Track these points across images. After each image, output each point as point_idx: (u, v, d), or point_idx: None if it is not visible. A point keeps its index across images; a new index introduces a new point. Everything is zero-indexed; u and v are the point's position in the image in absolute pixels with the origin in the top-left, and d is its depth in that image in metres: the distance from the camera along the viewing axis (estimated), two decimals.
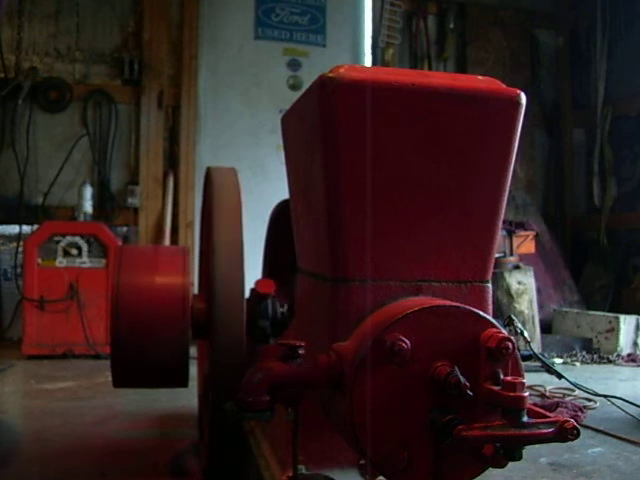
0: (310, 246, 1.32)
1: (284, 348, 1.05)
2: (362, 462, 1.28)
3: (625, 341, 4.20)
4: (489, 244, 1.19)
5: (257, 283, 1.84)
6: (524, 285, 4.21)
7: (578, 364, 3.93)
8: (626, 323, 4.22)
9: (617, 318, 4.23)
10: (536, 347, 4.00)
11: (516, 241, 4.40)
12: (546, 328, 4.53)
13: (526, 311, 4.17)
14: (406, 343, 0.99)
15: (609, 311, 4.81)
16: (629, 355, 4.12)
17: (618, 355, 4.10)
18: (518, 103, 1.14)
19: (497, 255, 4.24)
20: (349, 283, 1.12)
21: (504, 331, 1.01)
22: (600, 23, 5.40)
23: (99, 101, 4.55)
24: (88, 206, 4.23)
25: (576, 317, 4.49)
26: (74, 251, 3.84)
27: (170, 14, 4.71)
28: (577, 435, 0.94)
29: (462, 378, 0.97)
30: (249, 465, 1.58)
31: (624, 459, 2.04)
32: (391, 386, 1.00)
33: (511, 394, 0.94)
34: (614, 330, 4.20)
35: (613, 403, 2.59)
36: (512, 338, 0.99)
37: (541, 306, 4.45)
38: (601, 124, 5.38)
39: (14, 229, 4.32)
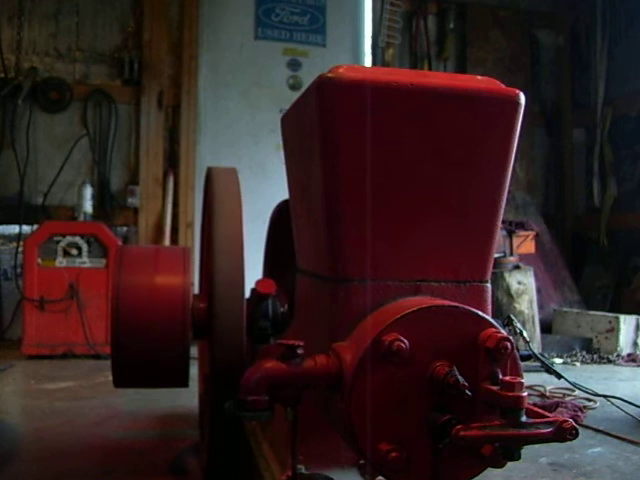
0: (309, 246, 1.32)
1: (283, 348, 1.05)
2: (362, 462, 1.28)
3: (625, 341, 4.20)
4: (488, 244, 1.19)
5: (257, 283, 1.84)
6: (524, 285, 4.21)
7: (578, 364, 3.93)
8: (626, 323, 4.22)
9: (617, 318, 4.23)
10: (536, 347, 3.99)
11: (516, 241, 4.40)
12: (546, 328, 4.52)
13: (526, 311, 4.16)
14: (405, 343, 0.99)
15: (609, 311, 4.80)
16: (629, 355, 4.12)
17: (618, 355, 4.10)
18: (517, 103, 1.14)
19: (497, 255, 4.24)
20: (348, 283, 1.12)
21: (503, 331, 1.02)
22: (600, 23, 5.40)
23: (99, 101, 4.55)
24: (88, 206, 4.23)
25: (576, 317, 4.49)
26: (74, 251, 3.84)
27: (170, 14, 4.71)
28: (576, 435, 0.94)
29: (461, 378, 0.97)
30: (249, 465, 1.58)
31: (624, 459, 2.04)
32: (390, 386, 1.00)
33: (510, 394, 0.94)
34: (614, 330, 4.20)
35: (613, 403, 2.59)
36: (511, 338, 0.99)
37: (541, 306, 4.45)
38: (601, 124, 5.37)
39: (14, 229, 4.32)
